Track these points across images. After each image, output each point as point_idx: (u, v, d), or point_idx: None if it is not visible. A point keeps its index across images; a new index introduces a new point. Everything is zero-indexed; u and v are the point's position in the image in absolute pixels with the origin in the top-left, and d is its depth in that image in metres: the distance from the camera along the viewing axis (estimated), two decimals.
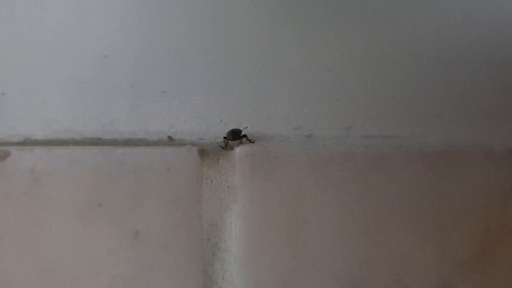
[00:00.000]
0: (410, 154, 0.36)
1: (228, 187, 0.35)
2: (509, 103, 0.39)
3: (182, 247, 0.34)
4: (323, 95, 0.38)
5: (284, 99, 0.38)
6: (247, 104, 0.37)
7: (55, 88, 0.37)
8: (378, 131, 0.38)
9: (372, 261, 0.35)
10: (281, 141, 0.37)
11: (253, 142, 0.36)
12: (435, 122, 0.38)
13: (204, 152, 0.35)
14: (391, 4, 0.39)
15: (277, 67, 0.38)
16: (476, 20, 0.39)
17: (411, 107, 0.38)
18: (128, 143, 0.36)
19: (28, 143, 0.36)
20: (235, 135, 0.36)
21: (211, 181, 0.35)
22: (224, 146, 0.36)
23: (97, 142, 0.36)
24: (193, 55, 0.38)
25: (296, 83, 0.38)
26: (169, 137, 0.36)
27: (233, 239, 0.34)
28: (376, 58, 0.39)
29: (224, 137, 0.36)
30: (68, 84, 0.37)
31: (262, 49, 0.38)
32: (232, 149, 0.36)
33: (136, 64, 0.37)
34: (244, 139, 0.36)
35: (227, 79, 0.38)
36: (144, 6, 0.38)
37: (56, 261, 0.33)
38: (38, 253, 0.33)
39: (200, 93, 0.37)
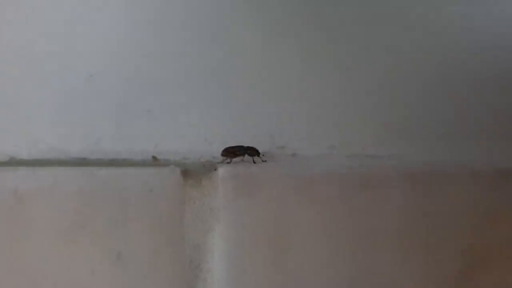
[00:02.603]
0: (394, 173, 0.36)
1: (210, 208, 0.35)
2: (494, 123, 0.39)
3: (165, 269, 0.34)
4: (308, 114, 0.38)
5: (269, 119, 0.38)
6: (232, 124, 0.38)
7: (40, 107, 0.37)
8: (362, 151, 0.38)
9: (357, 282, 0.35)
10: (265, 160, 0.37)
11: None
12: (419, 142, 0.38)
13: (187, 172, 0.35)
14: (379, 25, 0.39)
15: (262, 87, 0.38)
16: (461, 39, 0.39)
17: (395, 127, 0.38)
18: (113, 163, 0.36)
19: (12, 162, 0.36)
20: (228, 152, 0.36)
21: (194, 202, 0.35)
22: (229, 161, 0.36)
23: (82, 162, 0.36)
24: (179, 74, 0.38)
25: (280, 102, 0.38)
26: (154, 157, 0.37)
27: (216, 261, 0.34)
28: (361, 78, 0.39)
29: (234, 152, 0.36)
30: (54, 103, 0.37)
31: (247, 69, 0.38)
32: (215, 169, 0.36)
33: (121, 83, 0.38)
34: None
35: (212, 99, 0.38)
36: (131, 26, 0.38)
37: (39, 282, 0.33)
38: (21, 274, 0.34)
39: (185, 112, 0.37)
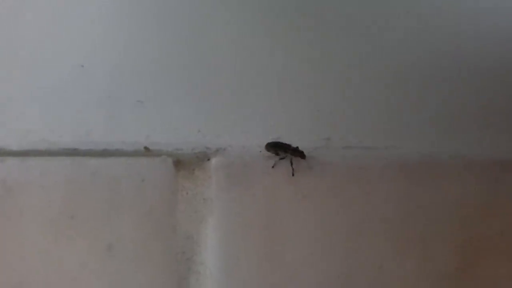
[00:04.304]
0: (390, 165, 0.36)
1: (203, 199, 0.34)
2: (490, 114, 0.38)
3: (156, 260, 0.33)
4: (303, 106, 0.38)
5: (263, 110, 0.37)
6: (226, 114, 0.37)
7: (31, 98, 0.36)
8: (358, 142, 0.37)
9: (352, 275, 0.35)
10: (260, 151, 0.36)
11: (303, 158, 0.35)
12: (415, 133, 0.38)
13: (179, 163, 0.34)
14: (374, 18, 0.39)
15: (256, 78, 0.38)
16: (457, 31, 0.39)
17: (391, 118, 0.38)
18: (104, 153, 0.36)
19: (2, 153, 0.35)
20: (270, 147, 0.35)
21: (187, 193, 0.34)
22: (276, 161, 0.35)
23: (73, 152, 0.36)
24: (171, 65, 0.37)
25: (275, 93, 0.38)
26: (146, 148, 0.36)
27: (209, 252, 0.34)
28: (356, 69, 0.38)
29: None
30: (45, 94, 0.37)
31: (241, 59, 0.38)
32: (208, 159, 0.35)
33: (113, 74, 0.37)
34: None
35: (205, 89, 0.37)
36: (122, 16, 0.38)
37: (28, 274, 0.33)
38: (9, 266, 0.33)
39: (178, 103, 0.37)
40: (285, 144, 0.36)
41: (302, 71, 0.38)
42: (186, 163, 0.35)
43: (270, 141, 0.36)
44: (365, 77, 0.38)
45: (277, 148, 0.35)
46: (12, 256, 0.33)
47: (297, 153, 0.35)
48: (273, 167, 0.35)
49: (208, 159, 0.35)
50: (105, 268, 0.33)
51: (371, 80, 0.38)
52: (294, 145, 0.36)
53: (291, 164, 0.35)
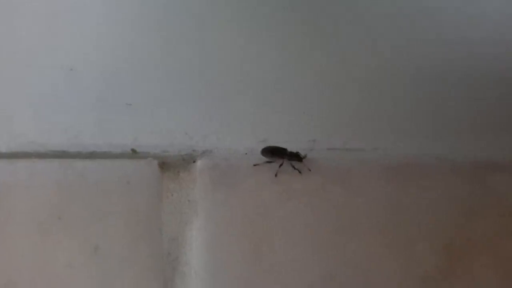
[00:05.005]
0: (375, 167, 0.36)
1: (188, 201, 0.35)
2: (474, 117, 0.39)
3: (142, 262, 0.34)
4: (289, 108, 0.38)
5: (250, 112, 0.38)
6: (213, 117, 0.37)
7: (20, 101, 0.37)
8: (343, 144, 0.37)
9: (336, 277, 0.35)
10: (246, 153, 0.36)
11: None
12: (400, 136, 0.38)
13: (164, 164, 0.35)
14: (363, 19, 0.39)
15: (243, 81, 0.38)
16: (446, 36, 0.39)
17: (377, 120, 0.38)
18: (92, 155, 0.36)
19: None
20: (267, 152, 0.35)
21: (172, 195, 0.35)
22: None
23: (61, 155, 0.36)
24: (159, 67, 0.38)
25: (262, 95, 0.38)
26: (133, 150, 0.36)
27: (194, 254, 0.34)
28: (343, 71, 0.39)
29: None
30: (34, 96, 0.37)
31: (229, 62, 0.38)
32: (194, 161, 0.35)
33: (102, 76, 0.37)
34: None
35: (193, 92, 0.38)
36: (111, 19, 0.38)
37: (15, 275, 0.33)
38: None
39: (166, 106, 0.37)
40: (281, 148, 0.36)
41: (288, 73, 0.38)
42: (171, 165, 0.35)
43: (264, 145, 0.36)
44: (351, 79, 0.38)
45: (273, 153, 0.35)
46: None
47: (294, 157, 0.35)
48: (254, 165, 0.35)
49: (194, 161, 0.35)
50: (91, 269, 0.33)
51: (357, 82, 0.38)
52: (288, 148, 0.36)
53: (280, 166, 0.35)
